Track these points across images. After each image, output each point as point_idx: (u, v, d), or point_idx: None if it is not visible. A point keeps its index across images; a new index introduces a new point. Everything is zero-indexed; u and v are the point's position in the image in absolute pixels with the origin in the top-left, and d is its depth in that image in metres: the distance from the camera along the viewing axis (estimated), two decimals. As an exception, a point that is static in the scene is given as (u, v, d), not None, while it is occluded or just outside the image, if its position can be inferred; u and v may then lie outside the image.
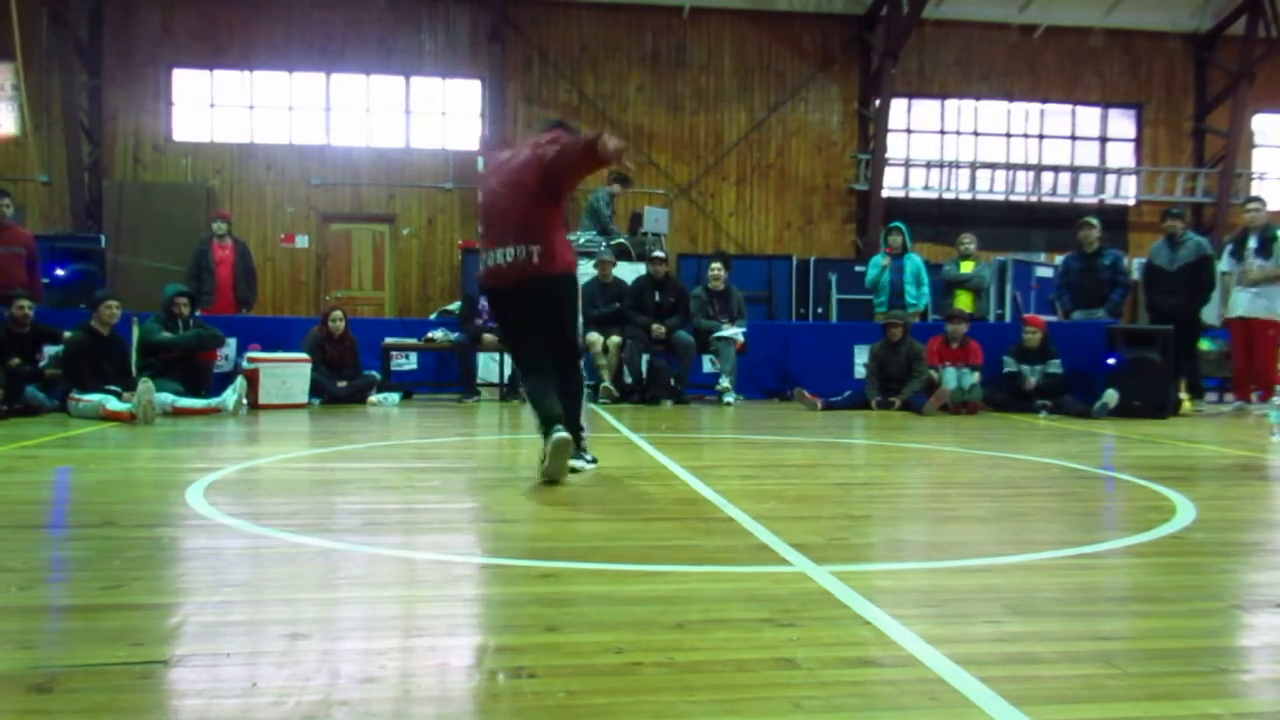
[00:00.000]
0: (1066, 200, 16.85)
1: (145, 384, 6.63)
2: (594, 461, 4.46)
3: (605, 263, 9.66)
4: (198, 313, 8.43)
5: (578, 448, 4.29)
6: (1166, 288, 8.77)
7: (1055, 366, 8.33)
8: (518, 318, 4.34)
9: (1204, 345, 9.47)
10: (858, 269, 12.93)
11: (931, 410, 8.10)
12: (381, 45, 15.23)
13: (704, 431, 6.82)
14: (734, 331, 9.21)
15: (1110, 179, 17.20)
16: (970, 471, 4.86)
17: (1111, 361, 8.32)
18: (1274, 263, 8.38)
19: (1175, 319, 8.62)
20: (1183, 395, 8.70)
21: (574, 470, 4.22)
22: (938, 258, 12.70)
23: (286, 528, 3.01)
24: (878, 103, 15.69)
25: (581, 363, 4.51)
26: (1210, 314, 9.60)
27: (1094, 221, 9.15)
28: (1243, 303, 8.51)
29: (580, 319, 4.44)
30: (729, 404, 8.86)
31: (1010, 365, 8.49)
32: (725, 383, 9.08)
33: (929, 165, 16.62)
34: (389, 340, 9.39)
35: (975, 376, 8.46)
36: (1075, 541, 3.03)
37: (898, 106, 16.06)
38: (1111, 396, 7.96)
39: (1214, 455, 5.60)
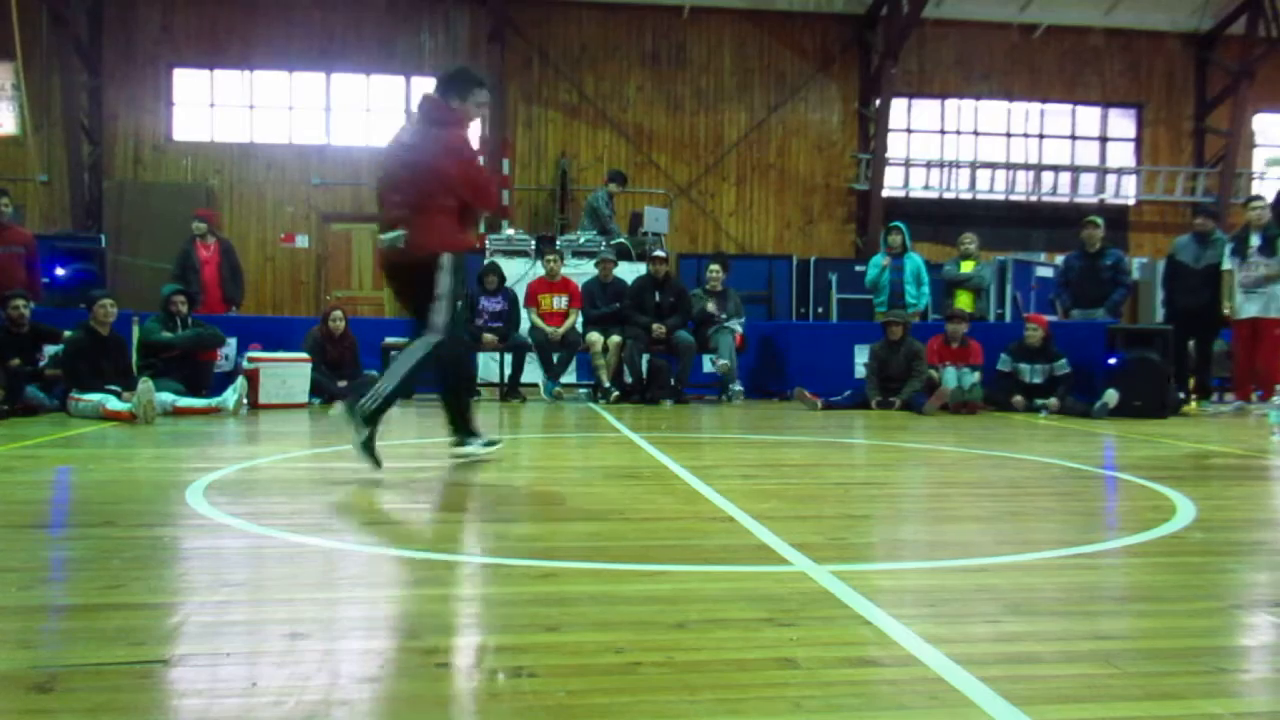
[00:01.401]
0: (1066, 200, 16.84)
1: (145, 384, 6.63)
2: (490, 445, 4.58)
3: (605, 262, 9.67)
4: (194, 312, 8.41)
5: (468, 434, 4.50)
6: (1189, 286, 8.76)
7: (1063, 367, 8.30)
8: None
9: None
10: (858, 269, 12.92)
11: (932, 410, 8.10)
12: (381, 45, 15.22)
13: (704, 431, 6.82)
14: (732, 322, 9.24)
15: (1110, 179, 17.20)
16: (970, 471, 4.86)
17: (1112, 361, 8.31)
18: (1277, 261, 8.36)
19: (1196, 317, 8.60)
20: (1183, 394, 8.70)
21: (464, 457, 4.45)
22: (938, 258, 12.69)
23: (286, 528, 3.01)
24: (878, 102, 15.68)
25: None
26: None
27: (1098, 221, 9.15)
28: (1252, 308, 8.46)
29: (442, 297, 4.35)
30: (736, 389, 8.84)
31: (1005, 364, 8.48)
32: (725, 361, 9.04)
33: (929, 165, 16.61)
34: (389, 340, 9.36)
35: (976, 376, 8.46)
36: (1075, 541, 3.03)
37: (898, 106, 16.05)
38: (1111, 396, 7.96)
39: (1214, 455, 5.60)
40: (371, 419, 4.07)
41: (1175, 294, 8.95)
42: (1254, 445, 6.02)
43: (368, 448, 4.08)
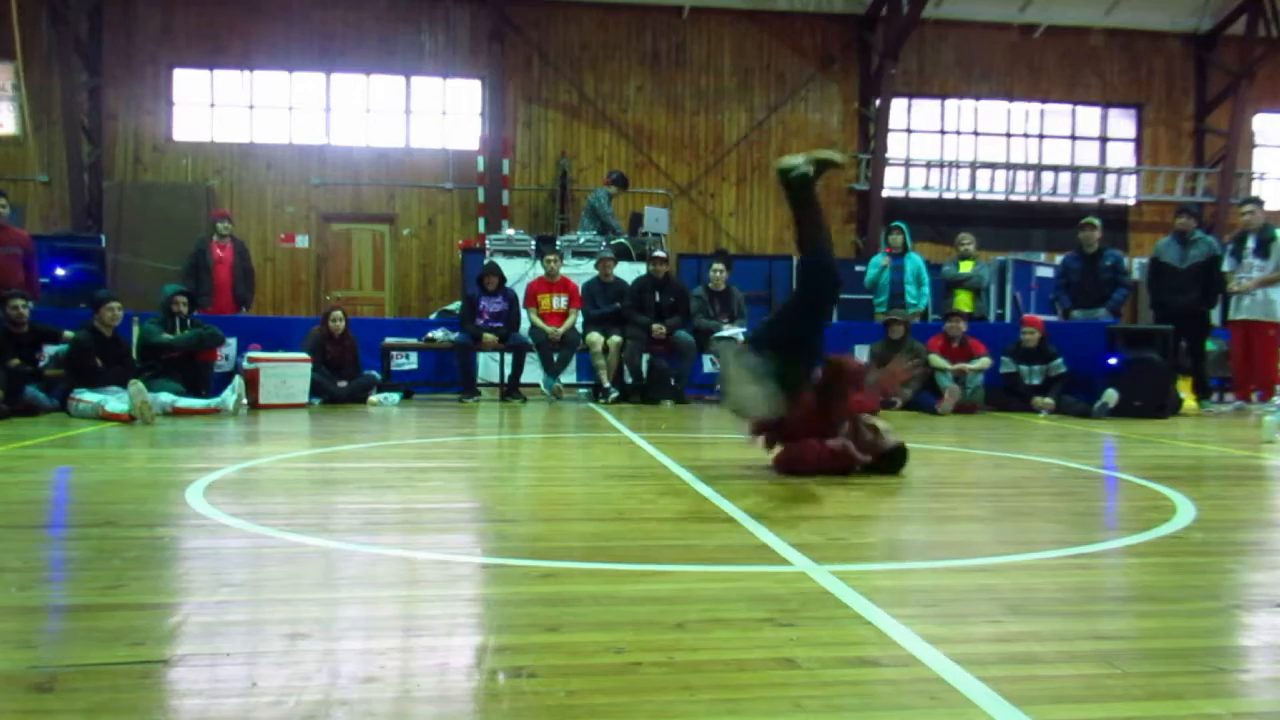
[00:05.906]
0: (1066, 200, 16.84)
1: (135, 385, 6.59)
2: None
3: (605, 262, 9.67)
4: (195, 312, 8.41)
5: None
6: (1176, 285, 8.77)
7: (1059, 367, 8.31)
8: None
9: (1207, 345, 9.46)
10: (858, 269, 12.90)
11: (946, 410, 8.09)
12: (381, 45, 15.22)
13: (704, 431, 6.82)
14: (734, 332, 9.21)
15: (1110, 179, 17.20)
16: (970, 471, 4.86)
17: (1112, 361, 8.31)
18: (1273, 263, 8.40)
19: (1186, 318, 8.62)
20: (1185, 395, 8.71)
21: None
22: (938, 258, 12.69)
23: (286, 528, 3.01)
24: (878, 103, 15.68)
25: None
26: (1213, 314, 9.61)
27: (1095, 223, 9.15)
28: (1243, 306, 8.54)
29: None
30: None
31: (1008, 365, 8.49)
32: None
33: (929, 165, 16.61)
34: (389, 340, 9.39)
35: (979, 378, 8.45)
36: (1075, 541, 3.03)
37: (898, 106, 16.05)
38: (1111, 396, 7.96)
39: (1214, 455, 5.59)
40: None
41: (1163, 295, 8.96)
42: (1254, 445, 6.01)
43: None
